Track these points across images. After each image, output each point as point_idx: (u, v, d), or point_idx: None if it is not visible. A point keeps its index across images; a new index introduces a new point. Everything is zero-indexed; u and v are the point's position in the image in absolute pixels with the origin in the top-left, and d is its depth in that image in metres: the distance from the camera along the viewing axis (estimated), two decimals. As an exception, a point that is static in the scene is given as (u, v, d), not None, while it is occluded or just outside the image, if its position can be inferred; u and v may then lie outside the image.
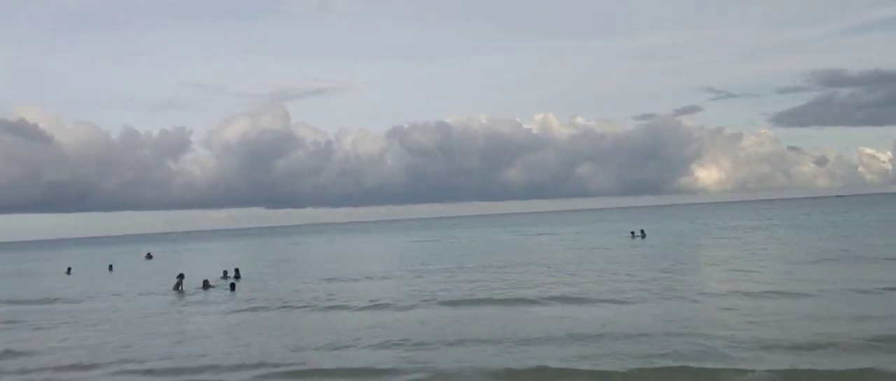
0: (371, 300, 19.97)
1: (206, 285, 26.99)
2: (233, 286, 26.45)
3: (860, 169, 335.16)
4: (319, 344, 13.58)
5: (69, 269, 44.60)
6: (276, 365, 11.86)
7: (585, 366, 10.70)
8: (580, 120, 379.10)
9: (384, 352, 12.58)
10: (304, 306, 19.56)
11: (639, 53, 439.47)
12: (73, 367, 12.68)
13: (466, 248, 49.00)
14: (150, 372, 12.01)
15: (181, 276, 27.51)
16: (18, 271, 52.10)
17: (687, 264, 26.93)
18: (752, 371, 9.72)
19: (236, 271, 30.95)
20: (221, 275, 30.47)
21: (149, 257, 60.39)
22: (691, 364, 10.39)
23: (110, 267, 45.71)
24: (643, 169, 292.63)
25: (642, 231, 49.41)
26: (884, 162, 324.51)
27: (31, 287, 33.86)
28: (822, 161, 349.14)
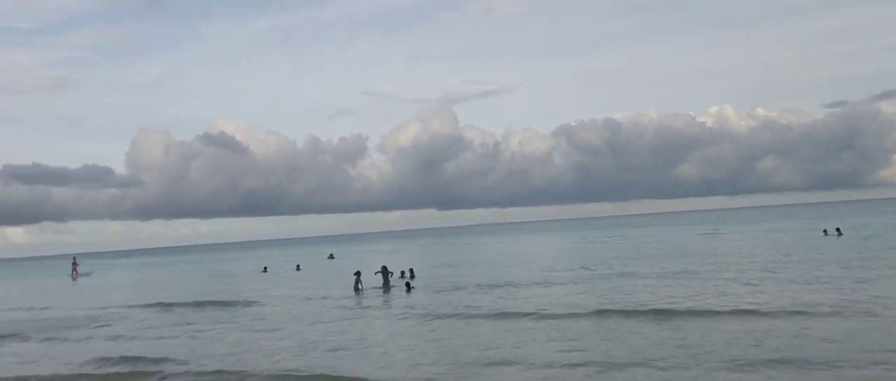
0: (539, 307, 19.31)
1: (385, 283, 28.44)
2: (408, 286, 27.57)
3: None
4: (490, 358, 12.89)
5: (265, 268, 49.37)
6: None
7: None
8: (760, 111, 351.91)
9: (567, 375, 11.49)
10: (474, 313, 19.09)
11: (824, 36, 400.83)
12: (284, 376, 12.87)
13: (639, 248, 46.91)
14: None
15: (358, 273, 29.07)
16: (223, 270, 57.60)
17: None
18: None
19: (411, 271, 32.16)
20: (399, 275, 31.78)
21: (331, 257, 64.58)
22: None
23: (297, 267, 49.45)
24: (836, 161, 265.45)
25: (838, 229, 44.86)
26: None
27: (235, 286, 37.17)
28: None
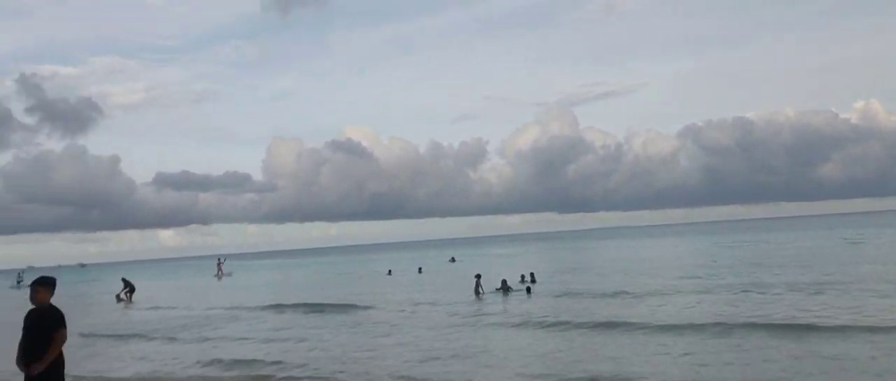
0: (665, 317, 18.22)
1: (504, 285, 28.47)
2: (529, 290, 27.58)
3: None
4: (618, 373, 11.99)
5: (390, 271, 50.93)
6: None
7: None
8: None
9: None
10: (596, 322, 18.14)
11: None
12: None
13: (774, 254, 43.97)
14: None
15: (478, 276, 29.33)
16: (350, 272, 59.88)
17: None
18: None
19: (531, 275, 32.10)
20: (519, 279, 31.81)
21: (452, 260, 65.61)
22: None
23: (419, 270, 50.61)
24: None
25: None
26: None
27: (360, 289, 38.37)
28: None
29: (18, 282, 68.96)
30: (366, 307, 26.23)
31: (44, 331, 6.44)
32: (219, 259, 68.77)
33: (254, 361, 15.21)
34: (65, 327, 6.59)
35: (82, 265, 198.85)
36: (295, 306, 28.17)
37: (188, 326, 23.09)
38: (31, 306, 6.74)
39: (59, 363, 6.53)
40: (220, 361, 15.41)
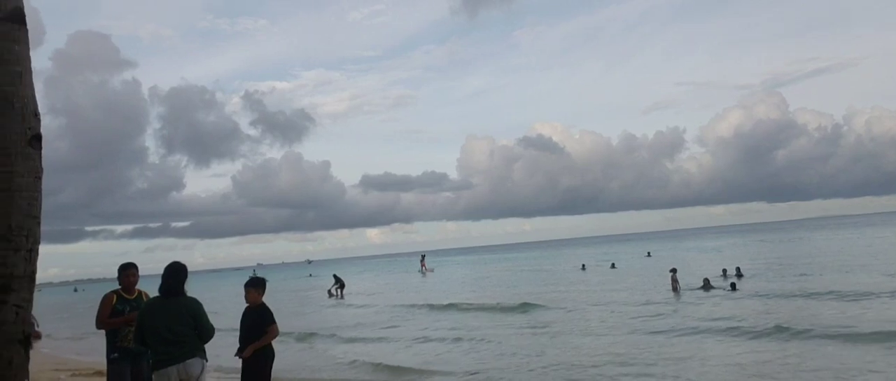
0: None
1: (706, 284, 26.75)
2: (733, 286, 25.74)
3: None
4: None
5: (583, 266, 50.28)
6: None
7: None
8: None
9: None
10: (822, 331, 15.30)
11: None
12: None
13: None
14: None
15: (674, 271, 27.97)
16: (543, 269, 59.94)
17: None
18: None
19: (737, 269, 30.05)
20: (720, 273, 29.93)
21: (648, 255, 63.23)
22: None
23: (613, 265, 49.33)
24: None
25: None
26: None
27: (551, 286, 38.22)
28: None
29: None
30: (560, 306, 25.05)
31: (258, 327, 7.13)
32: (422, 256, 71.54)
33: (399, 367, 14.39)
34: (275, 322, 7.25)
35: (309, 262, 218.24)
36: (482, 306, 27.18)
37: (370, 323, 23.98)
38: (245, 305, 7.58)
39: (269, 353, 7.24)
40: (356, 363, 15.18)
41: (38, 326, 22.52)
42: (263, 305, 7.27)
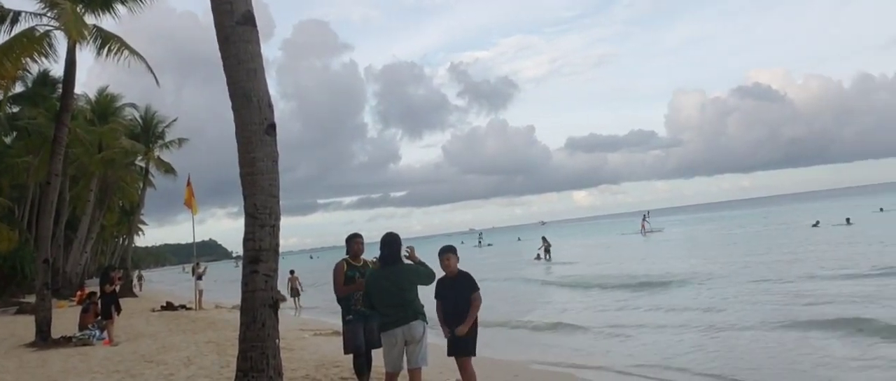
0: None
1: None
2: None
3: None
4: None
5: (817, 222, 45.20)
6: None
7: None
8: None
9: None
10: None
11: None
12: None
13: None
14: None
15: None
16: (770, 225, 55.50)
17: None
18: None
19: None
20: None
21: (881, 210, 56.22)
22: None
23: (848, 220, 44.09)
24: None
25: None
26: None
27: (785, 248, 34.96)
28: None
29: (480, 242, 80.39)
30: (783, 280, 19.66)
31: (463, 297, 6.87)
32: (644, 216, 67.54)
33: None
34: (479, 289, 6.95)
35: (543, 223, 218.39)
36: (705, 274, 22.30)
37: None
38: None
39: (475, 323, 6.98)
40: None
41: (302, 288, 25.21)
42: (463, 272, 6.97)
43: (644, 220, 64.38)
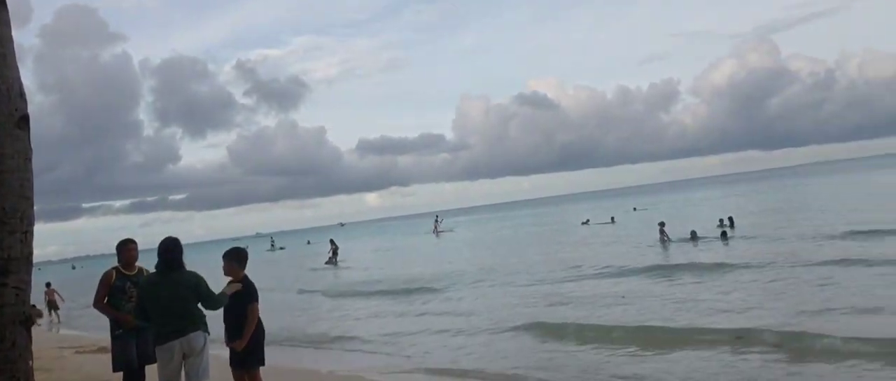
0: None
1: (693, 235, 26.81)
2: (724, 235, 25.95)
3: None
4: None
5: (587, 220, 50.51)
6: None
7: None
8: None
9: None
10: (815, 263, 16.61)
11: None
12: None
13: None
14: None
15: (662, 224, 28.14)
16: (543, 224, 60.10)
17: None
18: None
19: (730, 219, 30.17)
20: (717, 224, 29.96)
21: (634, 209, 64.23)
22: None
23: (612, 219, 49.59)
24: None
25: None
26: None
27: (555, 242, 38.25)
28: None
29: (272, 246, 77.01)
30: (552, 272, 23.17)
31: (240, 306, 6.40)
32: (436, 217, 70.57)
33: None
34: (256, 300, 6.48)
35: (342, 225, 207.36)
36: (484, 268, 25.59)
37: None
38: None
39: (260, 332, 6.59)
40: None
41: (62, 300, 22.49)
42: (245, 280, 6.46)
43: (436, 221, 67.12)
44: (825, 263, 16.57)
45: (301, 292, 24.14)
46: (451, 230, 65.93)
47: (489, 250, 36.88)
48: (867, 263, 15.79)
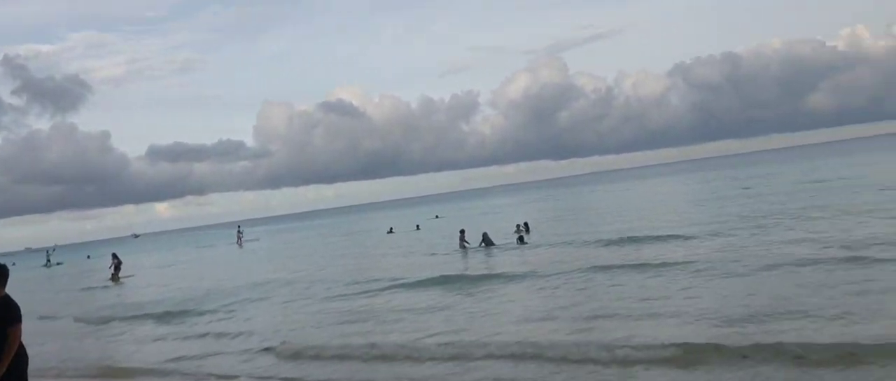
0: (684, 260, 16.91)
1: (485, 238, 27.98)
2: (521, 240, 27.31)
3: None
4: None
5: (391, 229, 50.50)
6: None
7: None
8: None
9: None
10: (597, 266, 17.74)
11: None
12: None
13: (775, 188, 42.94)
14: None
15: (462, 231, 29.11)
16: (351, 232, 59.56)
17: None
18: None
19: (525, 224, 31.83)
20: (514, 229, 31.39)
21: (437, 217, 66.14)
22: None
23: (417, 227, 50.42)
24: None
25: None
26: None
27: (362, 251, 37.90)
28: None
29: (48, 261, 69.90)
30: (355, 276, 23.96)
31: (2, 327, 5.77)
32: (238, 228, 69.03)
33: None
34: (19, 322, 5.81)
35: (136, 236, 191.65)
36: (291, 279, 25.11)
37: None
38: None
39: (22, 358, 6.02)
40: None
41: None
42: (8, 300, 5.87)
43: (239, 232, 65.10)
44: (610, 267, 17.49)
45: (76, 318, 20.97)
46: (256, 240, 64.50)
47: (293, 260, 35.70)
48: (645, 267, 16.78)
